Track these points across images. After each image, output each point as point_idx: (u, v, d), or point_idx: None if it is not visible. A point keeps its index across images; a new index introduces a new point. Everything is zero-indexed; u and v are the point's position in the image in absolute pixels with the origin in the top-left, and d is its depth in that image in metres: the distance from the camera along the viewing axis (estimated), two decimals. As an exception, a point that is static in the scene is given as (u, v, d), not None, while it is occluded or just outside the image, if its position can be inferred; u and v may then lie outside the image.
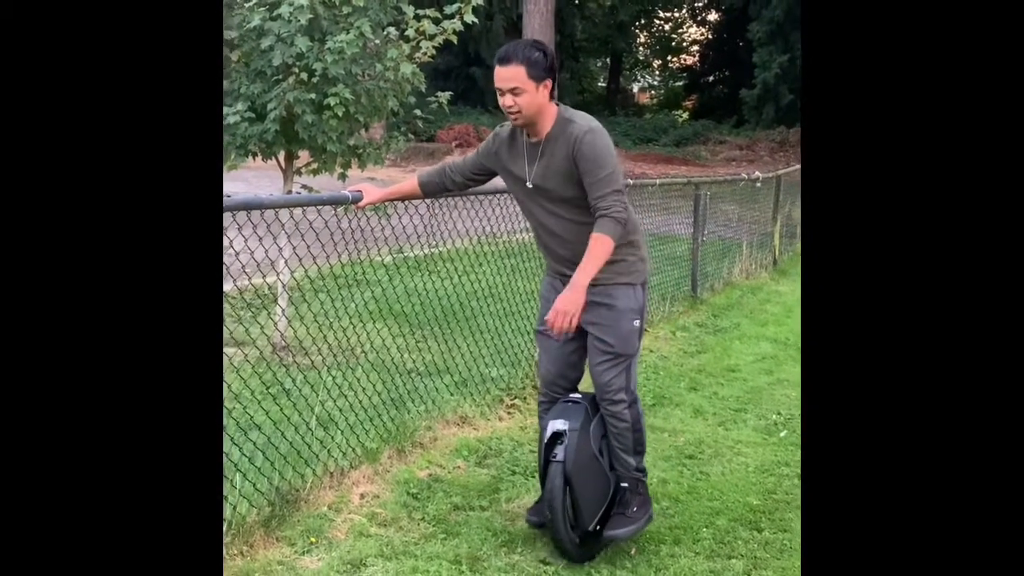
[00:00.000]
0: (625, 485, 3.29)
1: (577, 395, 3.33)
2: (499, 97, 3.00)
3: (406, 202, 4.10)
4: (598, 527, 3.19)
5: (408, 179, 3.53)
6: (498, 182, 3.42)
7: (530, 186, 3.10)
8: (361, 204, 3.38)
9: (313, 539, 3.23)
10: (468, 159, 3.37)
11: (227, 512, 3.14)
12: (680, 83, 40.80)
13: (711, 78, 36.83)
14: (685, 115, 35.71)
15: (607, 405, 3.21)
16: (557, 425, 3.17)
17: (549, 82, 2.99)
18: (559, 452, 3.12)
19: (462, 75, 27.44)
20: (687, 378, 5.66)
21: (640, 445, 3.34)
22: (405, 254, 7.97)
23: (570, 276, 3.06)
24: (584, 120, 3.05)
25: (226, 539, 3.05)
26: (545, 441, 3.18)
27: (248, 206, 2.99)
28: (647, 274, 3.26)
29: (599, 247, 2.92)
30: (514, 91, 2.94)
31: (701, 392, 5.40)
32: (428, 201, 4.31)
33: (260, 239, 3.55)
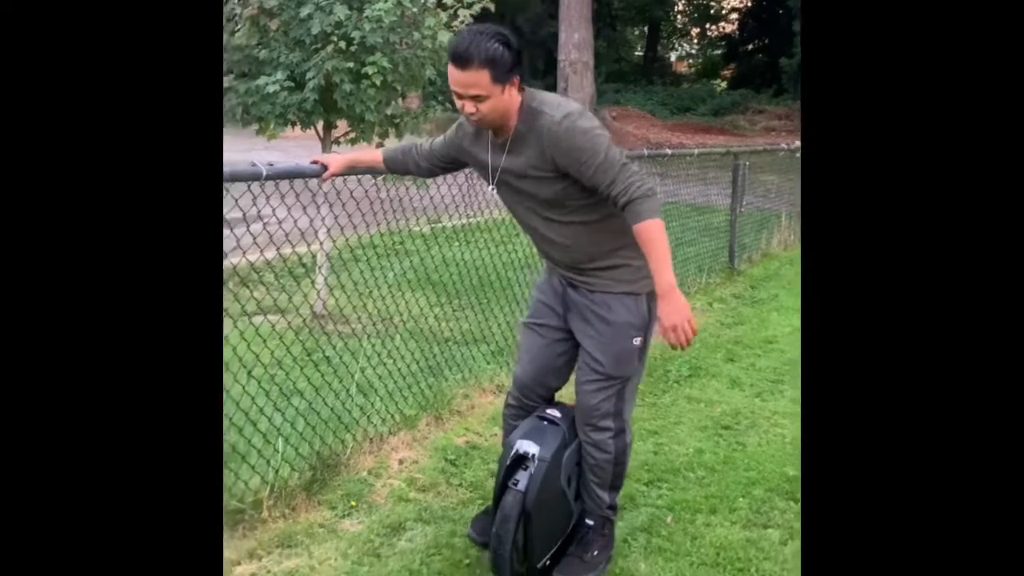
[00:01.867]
0: (590, 523, 2.91)
1: (556, 412, 2.85)
2: (456, 99, 2.49)
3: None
4: (548, 563, 2.82)
5: (372, 151, 3.19)
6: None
7: (491, 189, 2.69)
8: (325, 176, 3.04)
9: (353, 503, 3.29)
10: (435, 146, 2.91)
11: (269, 476, 3.20)
12: (719, 52, 40.23)
13: (750, 46, 36.26)
14: (723, 84, 35.26)
15: (589, 431, 2.80)
16: (525, 447, 2.72)
17: (516, 79, 2.47)
18: (521, 480, 2.68)
19: (498, 44, 27.23)
20: (724, 349, 5.64)
21: (618, 480, 2.91)
22: (443, 224, 8.00)
23: (576, 280, 2.74)
24: (555, 107, 2.49)
25: (268, 502, 3.12)
26: (508, 461, 2.73)
27: (236, 177, 2.91)
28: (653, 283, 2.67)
29: (653, 235, 2.44)
30: (476, 98, 2.43)
31: (738, 363, 5.38)
32: (466, 172, 4.32)
33: (304, 208, 3.57)
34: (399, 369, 4.15)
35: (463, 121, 2.72)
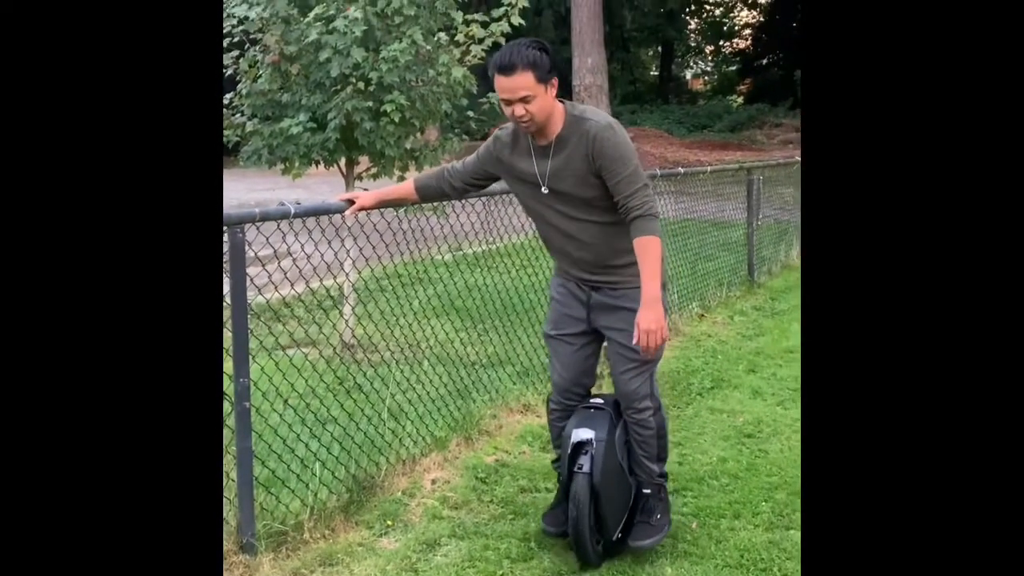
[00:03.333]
0: (647, 491, 3.21)
1: (599, 400, 3.20)
2: (505, 108, 2.82)
3: (463, 200, 4.28)
4: (620, 535, 3.14)
5: (403, 183, 3.39)
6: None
7: (545, 191, 2.94)
8: (351, 210, 3.23)
9: (390, 522, 3.44)
10: (467, 164, 3.18)
11: (309, 499, 3.36)
12: (733, 68, 40.38)
13: (765, 61, 36.40)
14: (739, 100, 35.37)
15: (633, 414, 3.12)
16: (582, 434, 3.05)
17: (555, 80, 2.82)
18: (585, 463, 3.00)
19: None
20: (745, 360, 5.75)
21: (664, 451, 3.26)
22: (463, 251, 8.17)
23: (588, 279, 3.03)
24: (598, 116, 2.88)
25: (308, 524, 3.27)
26: (569, 451, 3.06)
27: (259, 217, 3.14)
28: (666, 275, 3.09)
29: (651, 249, 2.79)
30: (524, 100, 2.75)
31: (759, 374, 5.49)
32: (484, 198, 4.49)
33: (316, 244, 3.70)
34: (428, 393, 4.31)
35: (499, 134, 3.06)
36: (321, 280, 4.88)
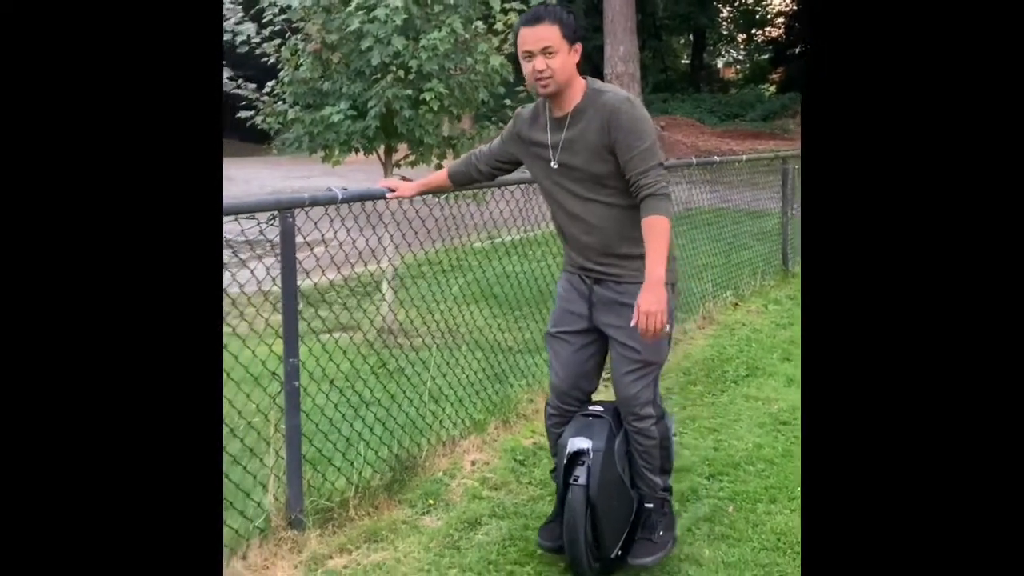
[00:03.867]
0: (650, 506, 3.04)
1: (598, 407, 3.00)
2: (526, 63, 2.74)
3: (501, 188, 4.35)
4: (620, 552, 2.96)
5: (439, 172, 3.43)
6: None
7: (555, 165, 2.84)
8: (391, 197, 3.29)
9: (431, 501, 3.52)
10: (493, 146, 3.15)
11: (354, 477, 3.45)
12: (766, 56, 40.06)
13: (798, 49, 36.06)
14: (772, 88, 35.10)
15: (633, 421, 2.93)
16: (578, 444, 2.86)
17: (579, 46, 2.77)
18: (581, 475, 2.82)
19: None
20: (780, 349, 5.78)
21: (668, 463, 3.08)
22: (500, 239, 8.23)
23: (593, 270, 2.89)
24: (617, 91, 2.79)
25: (353, 501, 3.36)
26: (564, 461, 2.88)
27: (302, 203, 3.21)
28: (676, 274, 2.93)
29: (660, 230, 2.63)
30: (546, 51, 2.69)
31: (794, 362, 5.51)
32: (522, 187, 4.55)
33: (360, 229, 3.76)
34: (467, 377, 4.38)
35: (520, 111, 3.00)
36: (366, 265, 4.97)
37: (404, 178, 3.46)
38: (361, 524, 3.30)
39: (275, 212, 3.06)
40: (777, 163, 8.10)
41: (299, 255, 3.19)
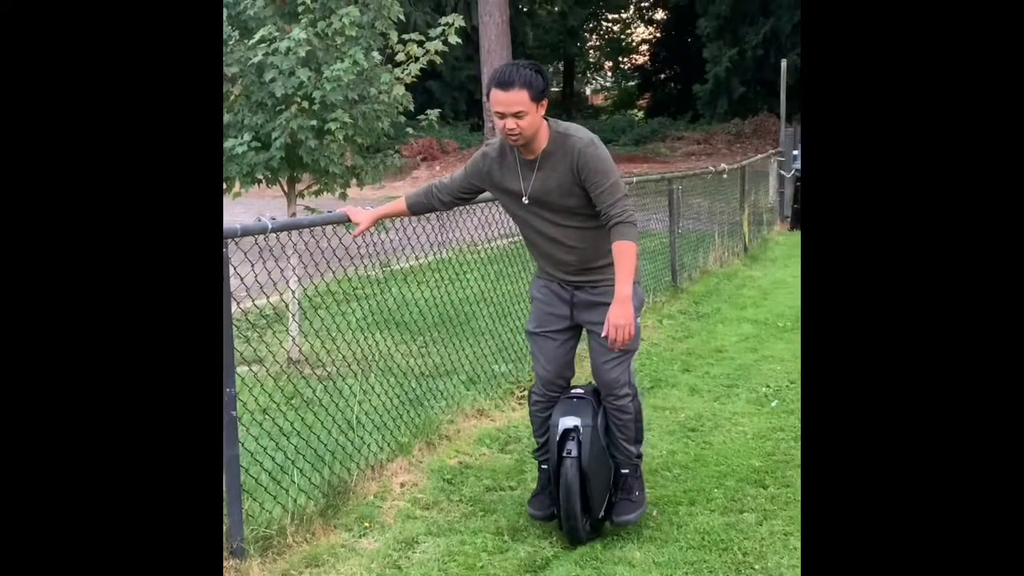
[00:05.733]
0: (626, 471, 3.47)
1: (579, 390, 3.46)
2: (498, 120, 3.05)
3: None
4: (603, 513, 3.43)
5: (396, 201, 3.62)
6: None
7: (526, 201, 3.19)
8: (356, 233, 3.55)
9: (367, 524, 3.56)
10: (455, 179, 3.44)
11: (289, 504, 3.47)
12: (633, 83, 41.41)
13: (663, 75, 37.44)
14: (640, 114, 36.27)
15: (613, 400, 3.37)
16: (568, 422, 3.30)
17: (546, 101, 3.10)
18: (573, 448, 3.26)
19: (419, 89, 27.57)
20: (679, 361, 6.05)
21: (640, 433, 3.52)
22: (392, 267, 8.29)
23: (571, 280, 3.30)
24: (580, 132, 3.16)
25: (290, 528, 3.37)
26: (556, 438, 3.30)
27: (270, 230, 3.26)
28: (639, 273, 3.37)
29: (628, 253, 3.06)
30: (517, 115, 3.00)
31: (694, 372, 5.78)
32: (408, 218, 4.61)
33: (264, 262, 3.74)
34: (383, 403, 4.43)
35: (486, 151, 3.31)
36: (268, 298, 4.95)
37: (367, 208, 3.62)
38: (300, 550, 3.31)
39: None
40: (663, 184, 8.46)
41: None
